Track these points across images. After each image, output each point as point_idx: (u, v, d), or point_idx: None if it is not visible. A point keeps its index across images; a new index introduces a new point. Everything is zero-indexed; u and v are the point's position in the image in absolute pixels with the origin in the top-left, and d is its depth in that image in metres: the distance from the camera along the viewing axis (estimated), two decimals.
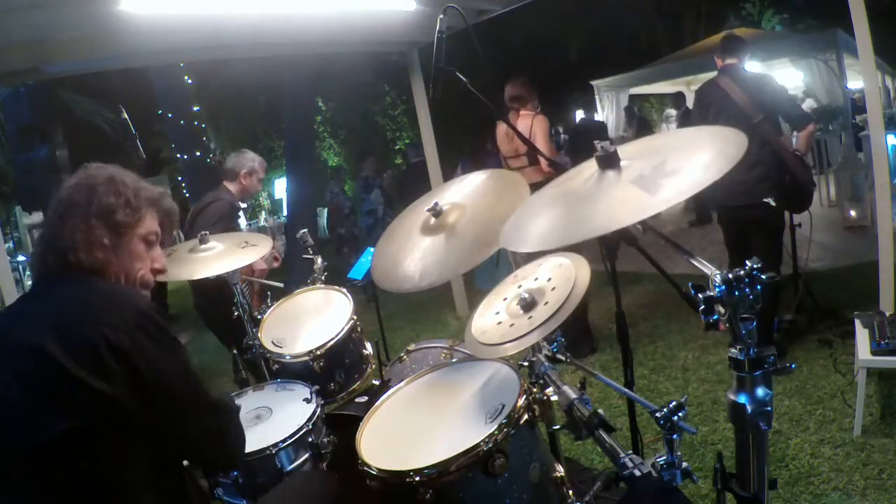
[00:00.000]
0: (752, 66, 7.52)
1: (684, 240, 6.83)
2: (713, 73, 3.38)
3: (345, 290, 2.48)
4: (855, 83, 8.01)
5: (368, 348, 2.42)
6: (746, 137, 1.13)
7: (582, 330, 3.87)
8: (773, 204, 3.09)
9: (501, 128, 3.97)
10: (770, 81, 3.30)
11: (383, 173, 9.62)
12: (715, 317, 1.00)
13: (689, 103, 10.87)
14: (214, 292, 2.49)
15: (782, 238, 3.28)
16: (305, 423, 1.82)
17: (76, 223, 1.20)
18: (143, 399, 1.10)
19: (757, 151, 3.03)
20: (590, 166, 1.33)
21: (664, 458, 1.20)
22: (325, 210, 13.65)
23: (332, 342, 2.20)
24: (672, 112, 10.80)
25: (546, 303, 1.51)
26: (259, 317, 2.48)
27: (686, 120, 7.78)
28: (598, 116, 10.09)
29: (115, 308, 1.14)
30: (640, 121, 10.18)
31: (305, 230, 2.80)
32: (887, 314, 2.70)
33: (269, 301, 2.63)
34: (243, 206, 3.60)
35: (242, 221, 3.89)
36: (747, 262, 0.99)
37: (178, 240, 2.91)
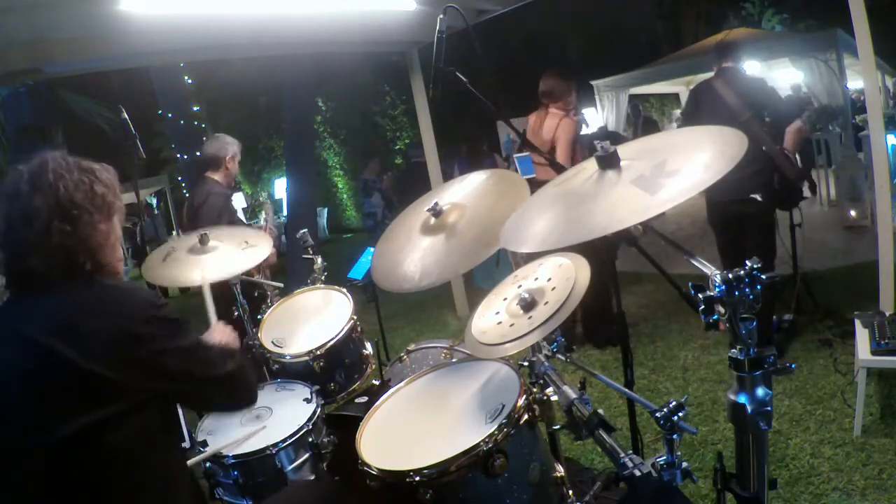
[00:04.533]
0: (752, 65, 7.55)
1: (695, 227, 6.84)
2: (712, 74, 3.41)
3: (345, 290, 2.48)
4: (855, 83, 8.01)
5: (368, 348, 2.42)
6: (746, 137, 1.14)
7: (606, 319, 3.82)
8: (759, 199, 3.11)
9: (531, 119, 3.92)
10: (761, 83, 3.35)
11: (383, 175, 9.63)
12: (715, 317, 1.00)
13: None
14: (224, 286, 2.50)
15: (775, 236, 3.29)
16: (305, 423, 1.83)
17: (88, 223, 1.17)
18: (163, 381, 1.15)
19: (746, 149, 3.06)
20: (590, 166, 1.33)
21: (664, 458, 1.20)
22: (325, 210, 13.67)
23: (332, 342, 2.21)
24: (678, 112, 10.77)
25: (546, 303, 1.51)
26: (259, 317, 2.48)
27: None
28: (598, 116, 10.08)
29: (125, 301, 1.16)
30: (646, 120, 10.15)
31: (305, 230, 2.80)
32: (887, 314, 2.70)
33: (269, 300, 2.63)
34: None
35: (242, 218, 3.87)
36: (747, 262, 0.99)
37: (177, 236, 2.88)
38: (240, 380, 1.36)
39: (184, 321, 1.23)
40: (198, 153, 8.19)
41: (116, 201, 1.26)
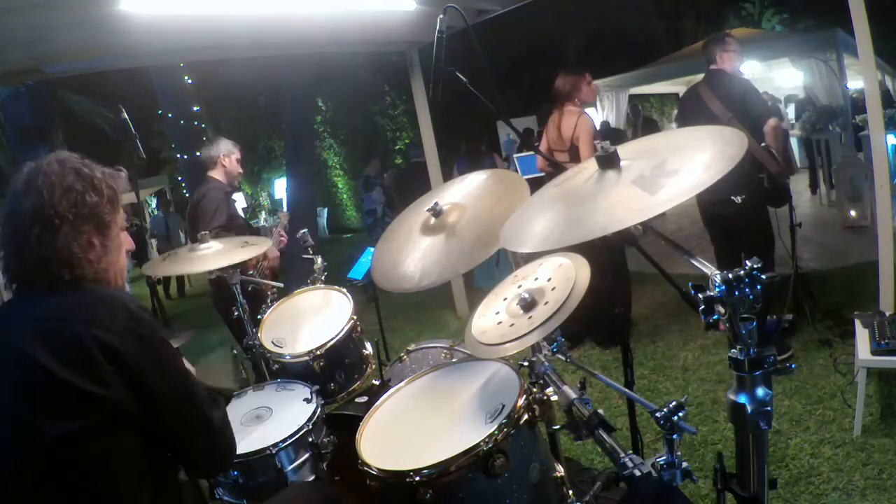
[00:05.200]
0: (752, 66, 7.55)
1: (695, 227, 6.83)
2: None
3: (345, 290, 2.48)
4: (855, 83, 8.01)
5: (368, 348, 2.42)
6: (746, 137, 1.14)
7: (617, 318, 3.82)
8: (738, 201, 3.13)
9: (553, 117, 3.94)
10: (743, 82, 3.36)
11: (384, 174, 9.64)
12: (715, 317, 1.00)
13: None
14: (224, 286, 2.50)
15: (769, 236, 3.29)
16: (305, 423, 1.82)
17: (69, 234, 1.14)
18: (136, 397, 1.10)
19: None
20: (590, 166, 1.33)
21: (664, 458, 1.20)
22: (325, 210, 13.68)
23: (332, 342, 2.21)
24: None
25: (546, 303, 1.51)
26: (259, 317, 2.48)
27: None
28: (598, 116, 10.08)
29: (104, 309, 1.13)
30: (646, 120, 10.14)
31: (305, 230, 2.80)
32: (887, 314, 2.70)
33: (269, 300, 2.63)
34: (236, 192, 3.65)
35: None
36: (747, 263, 0.99)
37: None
38: (225, 430, 1.31)
39: (170, 344, 1.20)
40: (198, 153, 8.19)
41: (112, 213, 1.22)
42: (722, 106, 3.17)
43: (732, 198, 3.12)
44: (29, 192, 1.14)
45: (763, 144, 3.17)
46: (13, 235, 1.14)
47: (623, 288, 3.69)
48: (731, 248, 3.32)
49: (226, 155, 3.53)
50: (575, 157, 3.73)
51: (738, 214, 3.17)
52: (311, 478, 1.82)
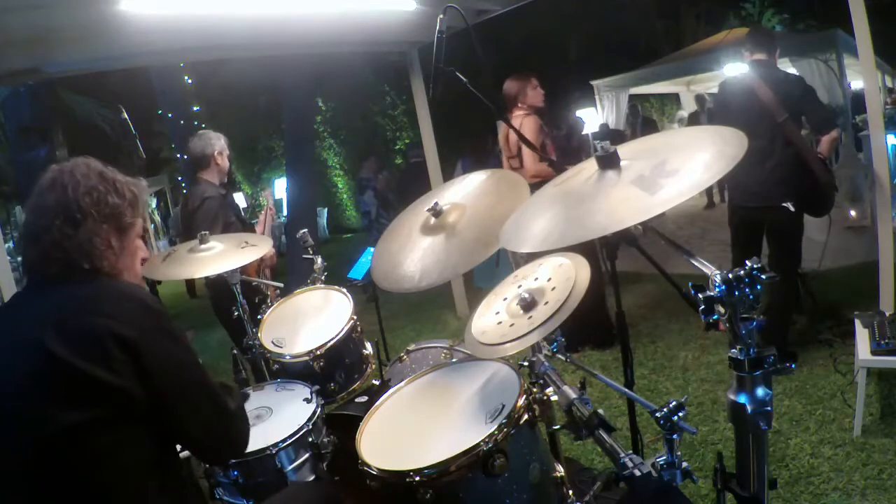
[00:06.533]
0: None
1: (695, 227, 6.84)
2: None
3: (345, 290, 2.48)
4: (855, 83, 8.00)
5: (368, 348, 2.42)
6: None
7: (602, 320, 3.84)
8: (791, 209, 2.98)
9: (503, 128, 3.96)
10: (800, 81, 3.17)
11: (379, 174, 9.64)
12: (715, 317, 1.00)
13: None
14: (229, 289, 2.50)
15: (801, 243, 3.16)
16: (305, 423, 1.82)
17: (90, 229, 1.18)
18: (149, 388, 1.12)
19: (780, 152, 2.93)
20: (590, 166, 1.33)
21: (664, 458, 1.20)
22: (325, 210, 13.67)
23: (332, 342, 2.21)
24: (684, 113, 10.75)
25: (546, 303, 1.51)
26: (259, 317, 2.48)
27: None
28: (598, 116, 10.08)
29: (119, 302, 1.15)
30: (645, 120, 10.13)
31: (305, 230, 2.80)
32: (887, 314, 2.70)
33: (269, 300, 2.63)
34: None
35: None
36: (747, 262, 0.99)
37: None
38: (240, 417, 1.34)
39: (184, 337, 1.22)
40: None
41: (133, 216, 1.26)
42: (777, 102, 2.93)
43: (784, 204, 2.97)
44: (53, 188, 1.19)
45: (818, 152, 3.02)
46: (33, 226, 1.18)
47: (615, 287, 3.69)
48: (758, 254, 3.19)
49: (220, 152, 3.32)
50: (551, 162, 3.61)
51: (777, 220, 3.03)
52: (311, 478, 1.82)
